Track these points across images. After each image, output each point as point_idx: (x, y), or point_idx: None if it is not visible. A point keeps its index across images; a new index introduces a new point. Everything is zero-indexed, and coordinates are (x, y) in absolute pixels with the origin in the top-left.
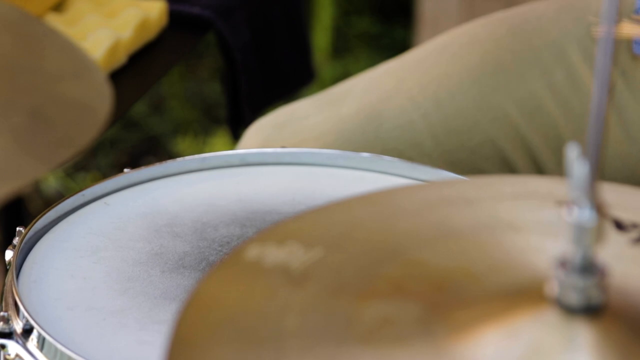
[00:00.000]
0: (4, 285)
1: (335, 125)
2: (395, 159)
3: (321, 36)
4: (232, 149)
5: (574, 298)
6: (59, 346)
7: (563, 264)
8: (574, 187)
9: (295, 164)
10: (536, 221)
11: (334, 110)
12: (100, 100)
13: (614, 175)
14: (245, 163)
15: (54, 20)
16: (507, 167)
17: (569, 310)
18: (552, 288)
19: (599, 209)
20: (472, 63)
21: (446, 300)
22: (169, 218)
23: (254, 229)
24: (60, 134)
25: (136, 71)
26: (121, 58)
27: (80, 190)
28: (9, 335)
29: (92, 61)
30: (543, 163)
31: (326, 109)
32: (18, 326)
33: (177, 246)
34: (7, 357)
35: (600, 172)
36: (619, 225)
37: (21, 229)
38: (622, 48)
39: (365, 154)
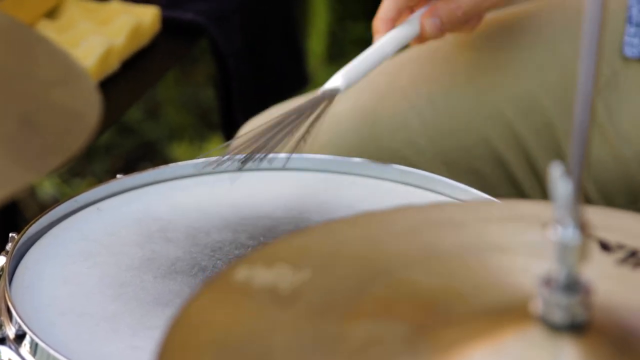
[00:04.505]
0: None
1: (330, 124)
2: (388, 165)
3: (316, 42)
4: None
5: (558, 315)
6: (52, 352)
7: (547, 282)
8: (558, 205)
9: (287, 169)
10: (522, 243)
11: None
12: (90, 107)
13: (606, 175)
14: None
15: (47, 27)
16: (501, 166)
17: (554, 328)
18: (537, 306)
19: (583, 227)
20: (466, 62)
21: (433, 320)
22: (161, 223)
23: (246, 235)
24: (50, 141)
25: (129, 77)
26: (114, 64)
27: (73, 196)
28: (1, 340)
29: (82, 68)
30: (537, 161)
31: None
32: (11, 332)
33: (169, 251)
34: None
35: (590, 172)
36: (605, 246)
37: (14, 235)
38: (613, 50)
39: (356, 159)
